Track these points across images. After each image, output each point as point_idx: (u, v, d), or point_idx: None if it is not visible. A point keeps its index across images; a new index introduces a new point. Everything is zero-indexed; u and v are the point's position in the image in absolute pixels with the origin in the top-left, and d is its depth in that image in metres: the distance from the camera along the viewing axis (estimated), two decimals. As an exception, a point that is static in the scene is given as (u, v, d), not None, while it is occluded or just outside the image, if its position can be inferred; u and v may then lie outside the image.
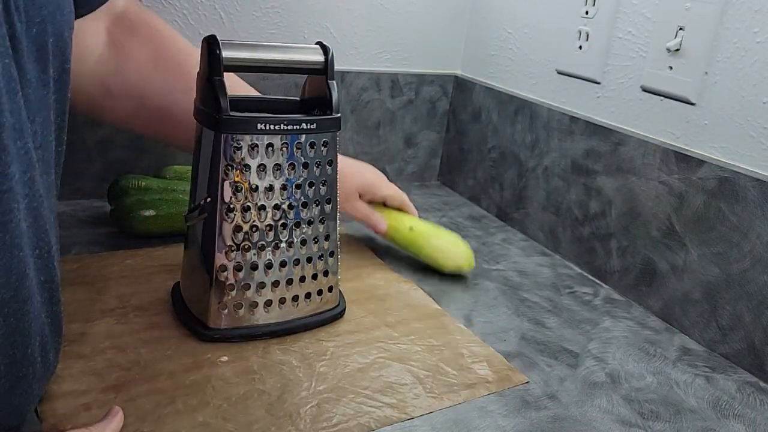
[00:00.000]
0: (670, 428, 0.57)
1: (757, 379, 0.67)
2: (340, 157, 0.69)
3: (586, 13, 0.87)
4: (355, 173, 0.81)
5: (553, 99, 0.94)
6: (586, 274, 0.87)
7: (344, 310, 0.68)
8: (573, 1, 0.89)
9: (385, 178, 0.84)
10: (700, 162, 0.72)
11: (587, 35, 0.87)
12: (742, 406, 0.62)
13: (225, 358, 0.58)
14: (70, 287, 0.66)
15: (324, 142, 0.61)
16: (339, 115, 0.62)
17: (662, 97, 0.78)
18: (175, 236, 0.79)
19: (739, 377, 0.67)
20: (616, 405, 0.60)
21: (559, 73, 0.93)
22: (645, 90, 0.80)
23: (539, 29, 0.96)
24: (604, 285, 0.84)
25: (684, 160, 0.73)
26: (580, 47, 0.88)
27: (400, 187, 0.85)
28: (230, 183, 0.57)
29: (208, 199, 0.58)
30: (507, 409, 0.57)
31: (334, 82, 0.62)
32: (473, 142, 1.09)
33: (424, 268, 0.82)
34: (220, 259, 0.58)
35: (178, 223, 0.77)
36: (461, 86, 1.11)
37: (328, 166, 0.62)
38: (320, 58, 0.62)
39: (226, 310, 0.60)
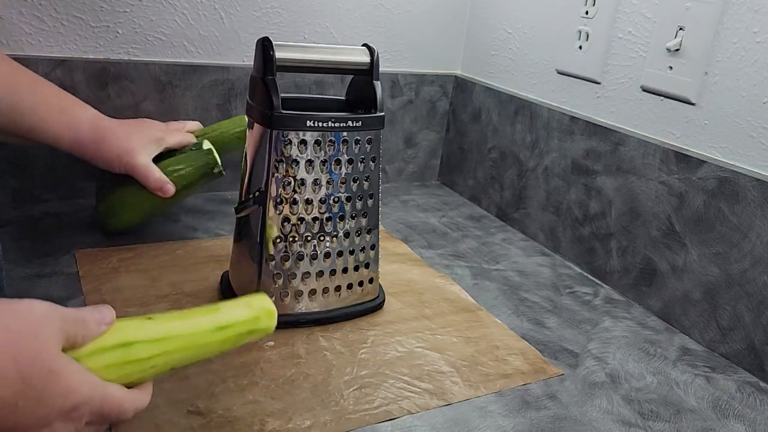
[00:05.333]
0: (670, 428, 0.57)
1: (757, 379, 0.67)
2: (114, 121, 0.73)
3: (586, 13, 0.87)
4: (139, 124, 0.76)
5: (553, 99, 0.94)
6: (586, 274, 0.87)
7: (383, 301, 0.71)
8: (573, 1, 0.89)
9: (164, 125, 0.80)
10: (700, 162, 0.72)
11: (587, 35, 0.87)
12: (742, 406, 0.62)
13: (271, 343, 0.62)
14: (127, 274, 0.71)
15: (368, 139, 0.64)
16: (383, 113, 0.65)
17: (662, 97, 0.78)
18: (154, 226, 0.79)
19: (739, 377, 0.67)
20: (616, 405, 0.60)
21: (559, 73, 0.93)
22: (645, 90, 0.80)
23: (539, 29, 0.96)
24: (604, 285, 0.84)
25: (684, 160, 0.73)
26: (580, 47, 0.88)
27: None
28: (279, 177, 0.61)
29: (257, 193, 0.61)
30: (507, 409, 0.57)
31: (379, 82, 0.65)
32: (473, 142, 1.09)
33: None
34: (268, 249, 0.62)
35: (147, 205, 0.77)
36: (461, 86, 1.11)
37: (371, 162, 0.65)
38: (367, 59, 0.65)
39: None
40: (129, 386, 0.43)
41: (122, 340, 0.42)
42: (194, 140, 0.80)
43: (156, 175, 0.73)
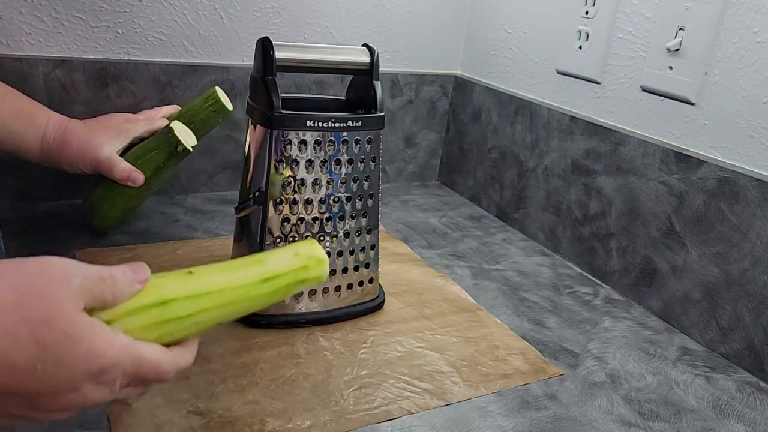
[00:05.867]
0: (670, 428, 0.57)
1: (757, 379, 0.66)
2: (76, 122, 0.73)
3: (586, 13, 0.87)
4: (102, 120, 0.76)
5: (553, 99, 0.94)
6: (586, 274, 0.87)
7: (383, 301, 0.71)
8: (573, 1, 0.89)
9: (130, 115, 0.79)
10: (700, 162, 0.72)
11: (587, 35, 0.87)
12: (742, 406, 0.62)
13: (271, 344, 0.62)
14: None
15: (368, 139, 0.64)
16: (383, 113, 0.64)
17: (662, 97, 0.78)
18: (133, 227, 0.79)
19: (739, 377, 0.67)
20: (616, 405, 0.60)
21: (559, 73, 0.93)
22: (645, 90, 0.80)
23: (539, 29, 0.96)
24: (604, 285, 0.84)
25: (684, 160, 0.73)
26: (580, 47, 0.88)
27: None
28: (279, 177, 0.60)
29: (258, 193, 0.61)
30: (507, 409, 0.57)
31: (379, 82, 0.65)
32: (473, 142, 1.09)
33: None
34: (268, 249, 0.61)
35: (123, 199, 0.76)
36: (461, 86, 1.11)
37: (371, 162, 0.65)
38: (366, 59, 0.65)
39: None
40: (171, 345, 0.40)
41: (159, 298, 0.40)
42: (164, 124, 0.78)
43: (121, 165, 0.72)
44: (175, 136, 0.74)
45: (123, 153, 0.75)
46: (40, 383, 0.34)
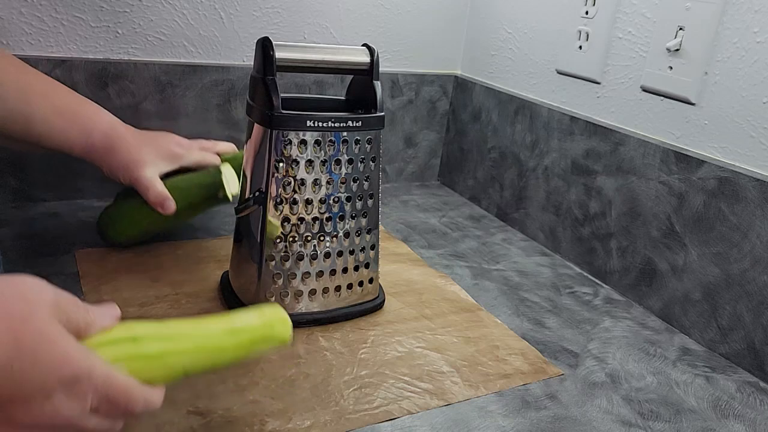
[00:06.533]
0: (670, 428, 0.57)
1: (757, 379, 0.67)
2: (130, 130, 0.72)
3: (586, 13, 0.87)
4: (157, 137, 0.74)
5: (553, 99, 0.94)
6: (586, 274, 0.87)
7: (383, 301, 0.71)
8: (573, 1, 0.89)
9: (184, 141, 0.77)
10: (700, 162, 0.72)
11: (587, 35, 0.87)
12: (742, 406, 0.62)
13: None
14: (127, 274, 0.71)
15: (368, 139, 0.64)
16: (383, 113, 0.64)
17: (662, 97, 0.78)
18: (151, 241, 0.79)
19: (739, 377, 0.67)
20: (616, 405, 0.60)
21: (559, 73, 0.93)
22: (645, 90, 0.80)
23: (539, 29, 0.96)
24: (604, 285, 0.84)
25: (684, 160, 0.73)
26: (580, 47, 0.88)
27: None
28: (279, 177, 0.61)
29: (258, 193, 0.61)
30: (507, 409, 0.57)
31: (379, 82, 0.65)
32: (473, 142, 1.09)
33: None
34: (268, 249, 0.62)
35: (146, 221, 0.75)
36: (461, 86, 1.11)
37: (371, 162, 0.65)
38: (366, 59, 0.65)
39: (273, 298, 0.63)
40: None
41: (130, 334, 0.42)
42: (217, 161, 0.76)
43: (158, 189, 0.70)
44: (221, 181, 0.72)
45: (166, 177, 0.72)
46: (14, 384, 0.35)
